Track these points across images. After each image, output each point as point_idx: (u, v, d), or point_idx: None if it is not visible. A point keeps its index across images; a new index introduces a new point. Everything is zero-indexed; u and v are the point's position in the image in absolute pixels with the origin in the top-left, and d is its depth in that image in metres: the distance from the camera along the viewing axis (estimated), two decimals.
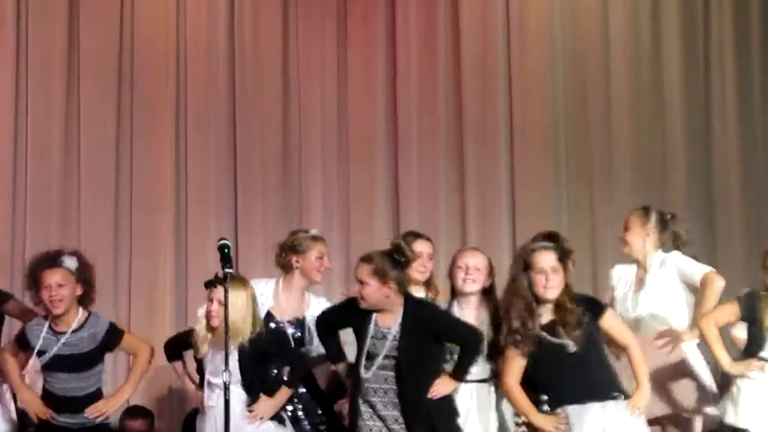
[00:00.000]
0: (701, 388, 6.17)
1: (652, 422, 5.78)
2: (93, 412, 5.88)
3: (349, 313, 5.67)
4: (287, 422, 5.87)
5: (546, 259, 5.46)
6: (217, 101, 8.58)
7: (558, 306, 5.44)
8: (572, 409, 5.36)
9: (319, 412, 6.14)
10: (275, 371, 5.89)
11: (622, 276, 6.45)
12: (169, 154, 8.49)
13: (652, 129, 8.91)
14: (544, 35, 8.86)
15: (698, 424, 6.26)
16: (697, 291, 6.22)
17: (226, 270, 5.43)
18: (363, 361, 5.56)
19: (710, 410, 6.16)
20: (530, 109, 8.78)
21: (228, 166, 8.54)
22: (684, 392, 6.18)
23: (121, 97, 8.50)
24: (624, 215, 6.60)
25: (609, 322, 5.53)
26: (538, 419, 5.45)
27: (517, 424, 5.87)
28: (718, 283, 6.12)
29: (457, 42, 8.79)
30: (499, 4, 8.83)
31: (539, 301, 5.45)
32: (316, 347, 6.06)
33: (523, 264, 5.48)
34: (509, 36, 8.83)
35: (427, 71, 8.75)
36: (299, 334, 6.13)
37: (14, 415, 6.12)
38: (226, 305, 5.42)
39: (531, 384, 5.52)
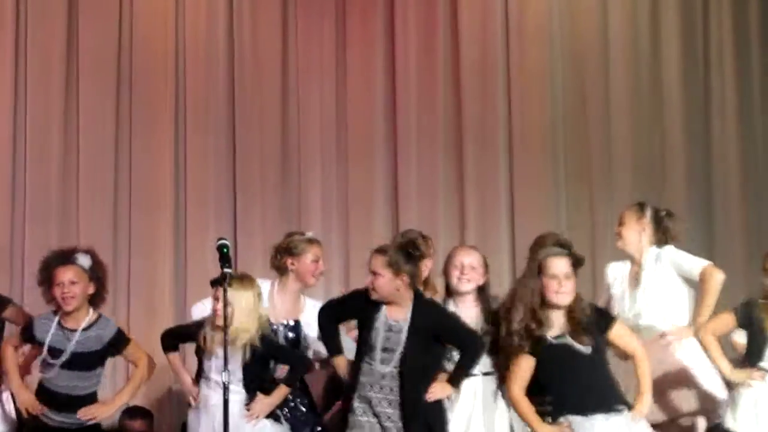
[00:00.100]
0: (705, 390, 6.15)
1: (655, 427, 5.77)
2: (85, 415, 5.89)
3: (357, 304, 5.68)
4: (282, 420, 5.88)
5: (559, 265, 5.48)
6: (216, 101, 8.58)
7: (569, 313, 5.44)
8: (576, 420, 5.37)
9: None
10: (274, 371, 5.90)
11: (617, 274, 6.45)
12: (168, 154, 8.49)
13: (651, 129, 8.92)
14: (543, 35, 8.86)
15: (701, 425, 6.24)
16: (696, 285, 6.22)
17: (225, 270, 5.45)
18: (379, 355, 5.54)
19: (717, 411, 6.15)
20: (529, 109, 8.78)
21: (227, 166, 8.54)
22: (686, 396, 6.16)
23: (120, 97, 8.51)
24: None
25: (617, 333, 5.55)
26: (542, 428, 5.45)
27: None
28: (718, 277, 6.10)
29: (456, 42, 8.79)
30: (498, 5, 8.83)
31: (550, 306, 5.45)
32: (314, 346, 6.07)
33: (537, 268, 5.48)
34: (508, 36, 8.83)
35: (426, 71, 8.75)
36: (293, 336, 6.12)
37: (14, 415, 6.12)
38: (225, 305, 5.48)
39: (536, 388, 5.52)
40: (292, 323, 6.15)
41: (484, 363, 5.74)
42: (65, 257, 5.96)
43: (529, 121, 8.77)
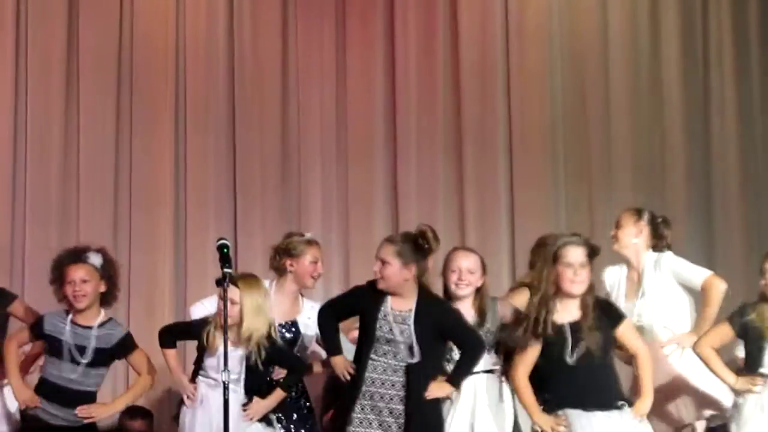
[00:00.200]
0: (708, 396, 6.13)
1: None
2: (84, 412, 5.91)
3: (358, 298, 5.69)
4: (275, 423, 5.89)
5: (575, 254, 5.48)
6: (216, 101, 8.58)
7: (583, 306, 5.44)
8: (574, 414, 5.37)
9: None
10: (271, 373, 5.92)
11: (614, 279, 6.44)
12: (169, 154, 8.49)
13: (651, 129, 8.92)
14: (542, 36, 8.86)
15: (700, 428, 6.25)
16: (696, 293, 6.21)
17: (226, 270, 5.45)
18: (383, 347, 5.54)
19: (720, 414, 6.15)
20: (529, 109, 8.78)
21: (227, 166, 8.54)
22: (687, 404, 6.16)
23: (120, 97, 8.50)
24: None
25: (625, 330, 5.55)
26: (540, 418, 5.46)
27: None
28: (721, 287, 6.10)
29: (456, 43, 8.79)
30: (497, 5, 8.82)
31: (563, 295, 5.45)
32: (312, 346, 6.07)
33: (552, 257, 5.48)
34: (508, 37, 8.82)
35: (425, 72, 8.75)
36: (291, 336, 6.13)
37: (18, 416, 6.13)
38: (225, 305, 5.47)
39: (536, 382, 5.52)
40: (289, 324, 6.15)
41: (485, 361, 5.74)
42: (77, 255, 6.00)
43: (528, 122, 8.77)
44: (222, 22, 8.61)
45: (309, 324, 6.06)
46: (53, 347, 5.91)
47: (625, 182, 8.74)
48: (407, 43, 8.76)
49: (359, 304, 5.70)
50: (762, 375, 5.81)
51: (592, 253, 5.54)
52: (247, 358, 5.72)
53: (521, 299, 5.96)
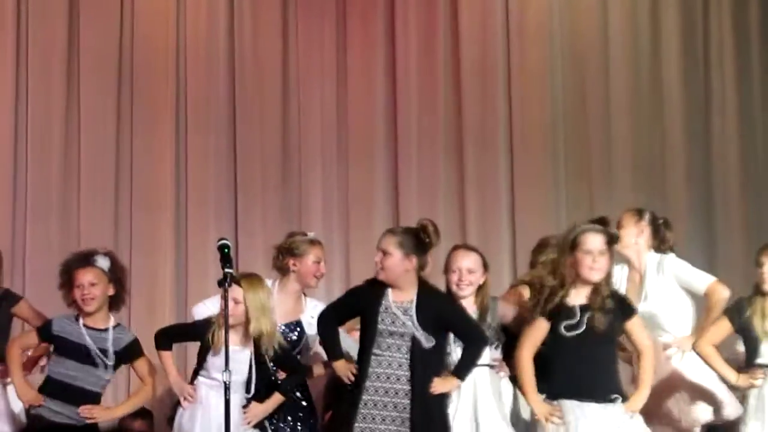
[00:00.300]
0: (712, 396, 6.13)
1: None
2: (86, 412, 5.91)
3: (358, 297, 5.71)
4: (268, 430, 5.89)
5: (594, 241, 5.48)
6: (217, 101, 8.59)
7: (595, 290, 5.45)
8: (568, 405, 5.38)
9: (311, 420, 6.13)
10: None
11: (615, 280, 6.42)
12: (169, 154, 8.50)
13: (651, 128, 8.92)
14: (543, 35, 8.86)
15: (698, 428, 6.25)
16: (698, 297, 6.21)
17: (226, 270, 5.44)
18: (386, 341, 5.53)
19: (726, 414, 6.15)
20: (529, 109, 8.79)
21: (228, 166, 8.55)
22: (685, 406, 6.15)
23: (121, 97, 8.51)
24: None
25: (635, 324, 5.56)
26: (535, 402, 5.46)
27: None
28: (724, 294, 6.09)
29: (457, 43, 8.80)
30: (498, 5, 8.83)
31: (580, 281, 5.46)
32: (315, 346, 6.07)
33: (570, 243, 5.49)
34: (509, 37, 8.83)
35: (426, 72, 8.75)
36: (296, 337, 6.13)
37: (24, 417, 6.14)
38: (226, 305, 5.45)
39: (537, 374, 5.53)
40: (293, 324, 6.15)
41: (485, 355, 5.76)
42: (85, 259, 6.01)
43: (529, 121, 8.77)
44: (222, 22, 8.62)
45: (313, 323, 6.04)
46: (63, 348, 5.92)
47: (625, 182, 8.75)
48: (408, 43, 8.77)
49: (359, 303, 5.70)
50: (761, 366, 5.83)
51: (611, 240, 5.54)
52: (257, 357, 5.72)
53: (520, 299, 5.99)
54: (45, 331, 6.00)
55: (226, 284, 5.41)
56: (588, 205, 8.74)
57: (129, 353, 6.01)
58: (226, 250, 5.49)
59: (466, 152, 8.72)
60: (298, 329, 6.14)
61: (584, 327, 5.40)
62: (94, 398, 5.96)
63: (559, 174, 8.77)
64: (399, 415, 5.52)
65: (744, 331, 5.92)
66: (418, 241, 5.62)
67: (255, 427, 5.81)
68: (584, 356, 5.40)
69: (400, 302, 5.58)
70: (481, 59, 8.79)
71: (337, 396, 6.15)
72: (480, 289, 5.87)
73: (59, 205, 8.35)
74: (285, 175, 8.60)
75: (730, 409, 6.09)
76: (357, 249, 8.40)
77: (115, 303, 6.04)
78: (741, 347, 6.34)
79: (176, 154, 8.50)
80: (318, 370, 6.23)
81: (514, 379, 5.82)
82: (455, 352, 5.72)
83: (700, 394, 6.12)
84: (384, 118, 8.73)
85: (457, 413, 5.72)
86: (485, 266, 5.92)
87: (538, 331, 5.49)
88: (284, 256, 6.19)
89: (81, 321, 5.93)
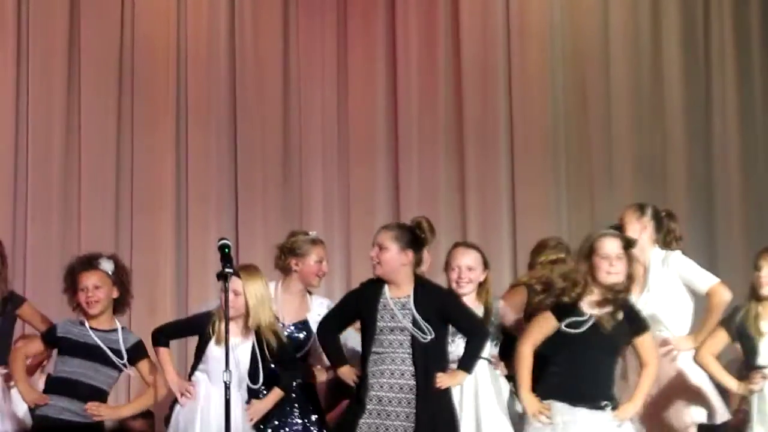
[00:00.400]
0: (704, 400, 6.13)
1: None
2: (92, 410, 5.91)
3: (356, 299, 5.74)
4: None
5: (611, 246, 5.49)
6: (217, 100, 8.60)
7: (611, 288, 5.45)
8: (558, 407, 5.38)
9: (314, 417, 6.13)
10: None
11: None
12: (170, 153, 8.51)
13: (652, 128, 8.91)
14: (543, 35, 8.87)
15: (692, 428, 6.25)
16: (700, 296, 6.21)
17: (227, 270, 5.45)
18: (387, 338, 5.55)
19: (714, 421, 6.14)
20: (530, 109, 8.79)
21: (229, 166, 8.56)
22: (683, 405, 6.15)
23: (121, 96, 8.53)
24: None
25: (645, 341, 5.55)
26: (527, 398, 5.45)
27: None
28: (725, 296, 6.07)
29: (457, 42, 8.80)
30: (498, 5, 8.83)
31: (597, 286, 5.46)
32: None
33: (587, 250, 5.50)
34: (509, 37, 8.83)
35: (427, 71, 8.76)
36: (304, 336, 6.13)
37: (29, 420, 6.14)
38: (226, 305, 5.47)
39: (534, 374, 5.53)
40: (300, 324, 6.15)
41: (485, 349, 5.78)
42: (88, 262, 6.02)
43: (529, 122, 8.78)
44: (223, 21, 8.63)
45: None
46: (69, 347, 5.93)
47: (626, 182, 8.74)
48: (408, 43, 8.78)
49: (357, 304, 5.72)
50: (760, 368, 5.81)
51: (628, 245, 5.56)
52: (259, 349, 5.73)
53: (518, 299, 5.99)
54: (50, 335, 6.01)
55: (227, 285, 5.42)
56: (588, 205, 8.75)
57: (135, 353, 6.01)
58: (226, 250, 5.51)
59: (466, 152, 8.72)
60: (306, 329, 6.13)
61: (588, 328, 5.40)
62: (101, 396, 5.96)
63: (560, 174, 8.77)
64: (404, 410, 5.53)
65: (740, 336, 5.88)
66: (414, 236, 5.66)
67: (255, 427, 5.81)
68: (583, 359, 5.40)
69: (398, 298, 5.60)
70: (482, 59, 8.79)
71: (340, 396, 6.18)
72: (482, 286, 5.89)
73: (60, 205, 8.36)
74: (286, 175, 8.61)
75: (718, 416, 6.11)
76: (357, 248, 8.40)
77: (119, 306, 6.06)
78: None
79: (177, 154, 8.51)
80: (321, 376, 6.22)
81: (510, 379, 5.83)
82: (455, 344, 5.73)
83: (694, 396, 6.12)
84: (385, 118, 8.74)
85: (461, 405, 5.73)
86: (485, 264, 5.94)
87: (544, 326, 5.48)
88: (286, 255, 6.18)
89: (87, 324, 5.94)
